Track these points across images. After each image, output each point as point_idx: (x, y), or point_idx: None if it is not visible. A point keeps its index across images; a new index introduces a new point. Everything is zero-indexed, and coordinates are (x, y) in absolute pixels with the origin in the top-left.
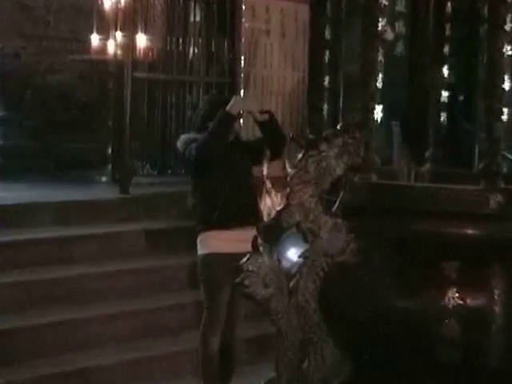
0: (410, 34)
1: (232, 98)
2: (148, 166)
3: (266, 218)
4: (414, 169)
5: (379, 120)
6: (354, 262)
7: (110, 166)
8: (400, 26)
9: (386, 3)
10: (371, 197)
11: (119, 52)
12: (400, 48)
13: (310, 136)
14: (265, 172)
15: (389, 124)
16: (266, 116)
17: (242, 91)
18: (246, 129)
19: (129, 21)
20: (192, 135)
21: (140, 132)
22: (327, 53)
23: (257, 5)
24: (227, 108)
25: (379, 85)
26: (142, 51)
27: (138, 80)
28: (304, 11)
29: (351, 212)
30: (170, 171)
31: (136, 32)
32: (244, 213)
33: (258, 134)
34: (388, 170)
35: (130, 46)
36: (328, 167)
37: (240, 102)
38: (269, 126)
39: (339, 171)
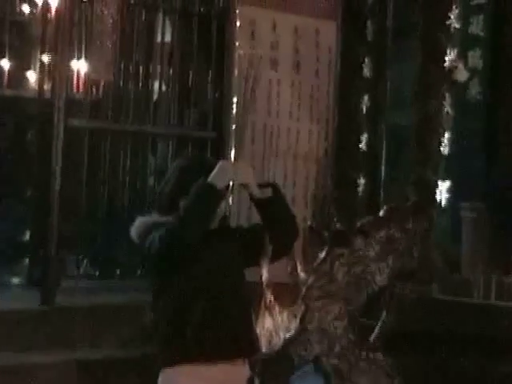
0: (491, 70)
1: (217, 162)
2: (86, 261)
3: (265, 349)
4: (496, 277)
5: (444, 202)
6: None
7: (26, 261)
8: (475, 58)
9: (457, 26)
10: (430, 320)
11: (46, 86)
12: (475, 90)
13: (338, 225)
14: (264, 277)
15: (457, 207)
16: (269, 192)
17: (232, 152)
18: (238, 210)
19: (62, 39)
20: (155, 218)
21: (75, 209)
22: (366, 97)
23: (258, 19)
24: (210, 178)
25: (445, 148)
26: (80, 86)
27: (75, 130)
28: (330, 31)
29: (399, 343)
30: (118, 271)
31: (72, 56)
32: (231, 338)
33: (256, 218)
34: (456, 278)
35: (62, 77)
36: (364, 274)
37: (229, 169)
38: (272, 206)
39: (381, 280)
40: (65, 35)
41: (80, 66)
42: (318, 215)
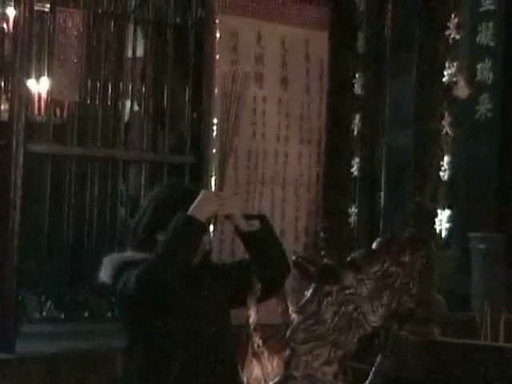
0: (503, 84)
1: (199, 191)
2: (50, 303)
3: None
4: (508, 315)
5: (445, 233)
6: None
7: None
8: (485, 70)
9: (457, 37)
10: (432, 364)
11: (3, 107)
12: (484, 108)
13: (326, 260)
14: (252, 319)
15: (465, 238)
16: (257, 224)
17: (213, 179)
18: (220, 244)
19: (20, 54)
20: (129, 255)
21: (37, 244)
22: (358, 116)
23: (241, 30)
24: (191, 210)
25: (444, 173)
26: (42, 106)
27: (36, 156)
28: (321, 43)
29: None
30: (86, 314)
31: (33, 73)
32: None
33: (243, 253)
34: (461, 317)
35: (21, 97)
36: (356, 313)
37: (212, 199)
38: (261, 240)
39: (375, 320)
40: (24, 49)
41: (41, 84)
42: (307, 249)
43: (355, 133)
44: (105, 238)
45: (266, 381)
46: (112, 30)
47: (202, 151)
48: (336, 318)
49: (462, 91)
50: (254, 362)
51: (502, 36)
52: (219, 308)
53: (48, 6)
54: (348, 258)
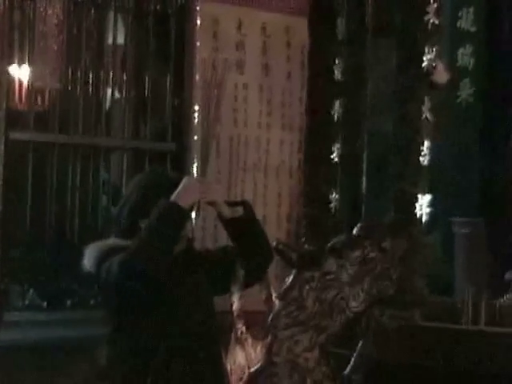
0: (484, 69)
1: (181, 178)
2: (32, 291)
3: None
4: (488, 299)
5: (425, 217)
6: None
7: None
8: (466, 56)
9: (437, 22)
10: (413, 351)
11: None
12: (465, 93)
13: (307, 246)
14: (235, 306)
15: (446, 223)
16: (240, 210)
17: (195, 166)
18: (203, 230)
19: (1, 43)
20: (111, 242)
21: (19, 232)
22: (338, 102)
23: (221, 17)
24: (173, 197)
25: (425, 158)
26: (23, 95)
27: (17, 144)
28: (302, 29)
29: (379, 377)
30: (69, 302)
31: (12, 61)
32: (198, 379)
33: (225, 239)
34: (443, 302)
35: (1, 85)
36: (337, 299)
37: (195, 185)
38: (243, 226)
39: (357, 305)
40: (3, 38)
41: (22, 72)
42: (289, 236)
43: (335, 118)
44: (87, 226)
45: (249, 367)
46: (92, 17)
47: (184, 138)
48: (317, 304)
49: (441, 77)
50: (238, 348)
51: (482, 21)
52: (202, 295)
53: None
54: (329, 244)
